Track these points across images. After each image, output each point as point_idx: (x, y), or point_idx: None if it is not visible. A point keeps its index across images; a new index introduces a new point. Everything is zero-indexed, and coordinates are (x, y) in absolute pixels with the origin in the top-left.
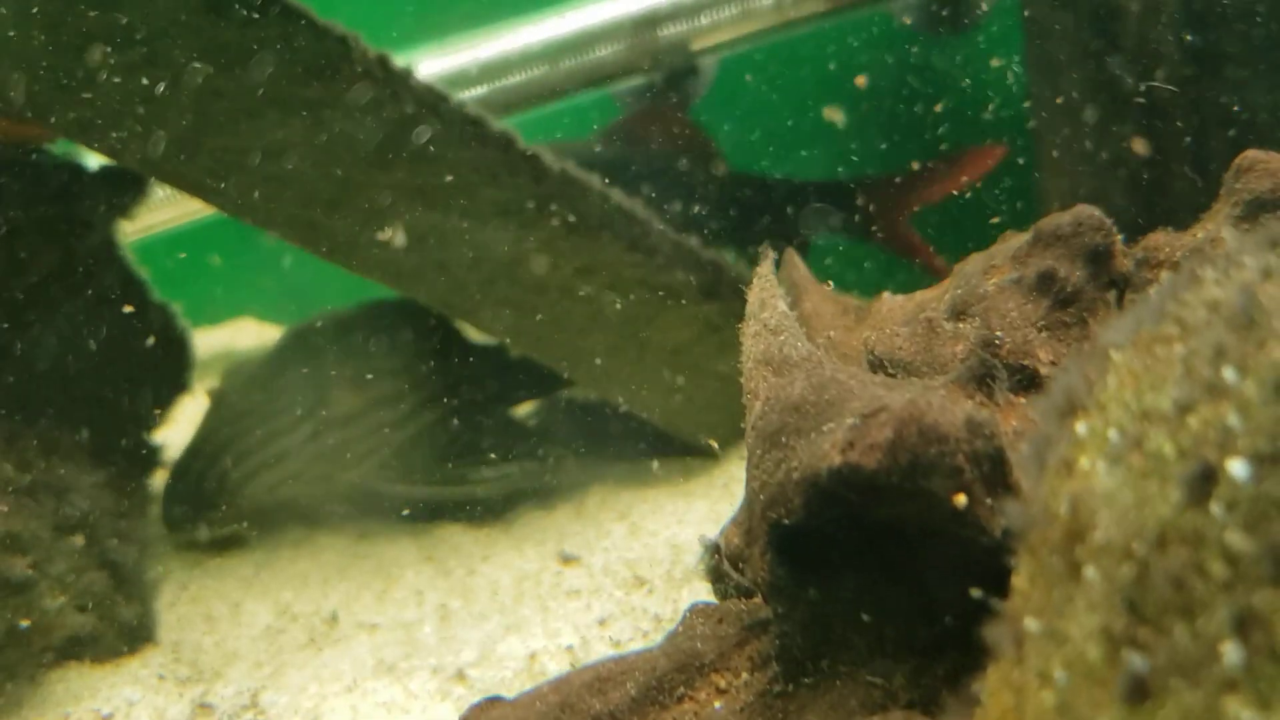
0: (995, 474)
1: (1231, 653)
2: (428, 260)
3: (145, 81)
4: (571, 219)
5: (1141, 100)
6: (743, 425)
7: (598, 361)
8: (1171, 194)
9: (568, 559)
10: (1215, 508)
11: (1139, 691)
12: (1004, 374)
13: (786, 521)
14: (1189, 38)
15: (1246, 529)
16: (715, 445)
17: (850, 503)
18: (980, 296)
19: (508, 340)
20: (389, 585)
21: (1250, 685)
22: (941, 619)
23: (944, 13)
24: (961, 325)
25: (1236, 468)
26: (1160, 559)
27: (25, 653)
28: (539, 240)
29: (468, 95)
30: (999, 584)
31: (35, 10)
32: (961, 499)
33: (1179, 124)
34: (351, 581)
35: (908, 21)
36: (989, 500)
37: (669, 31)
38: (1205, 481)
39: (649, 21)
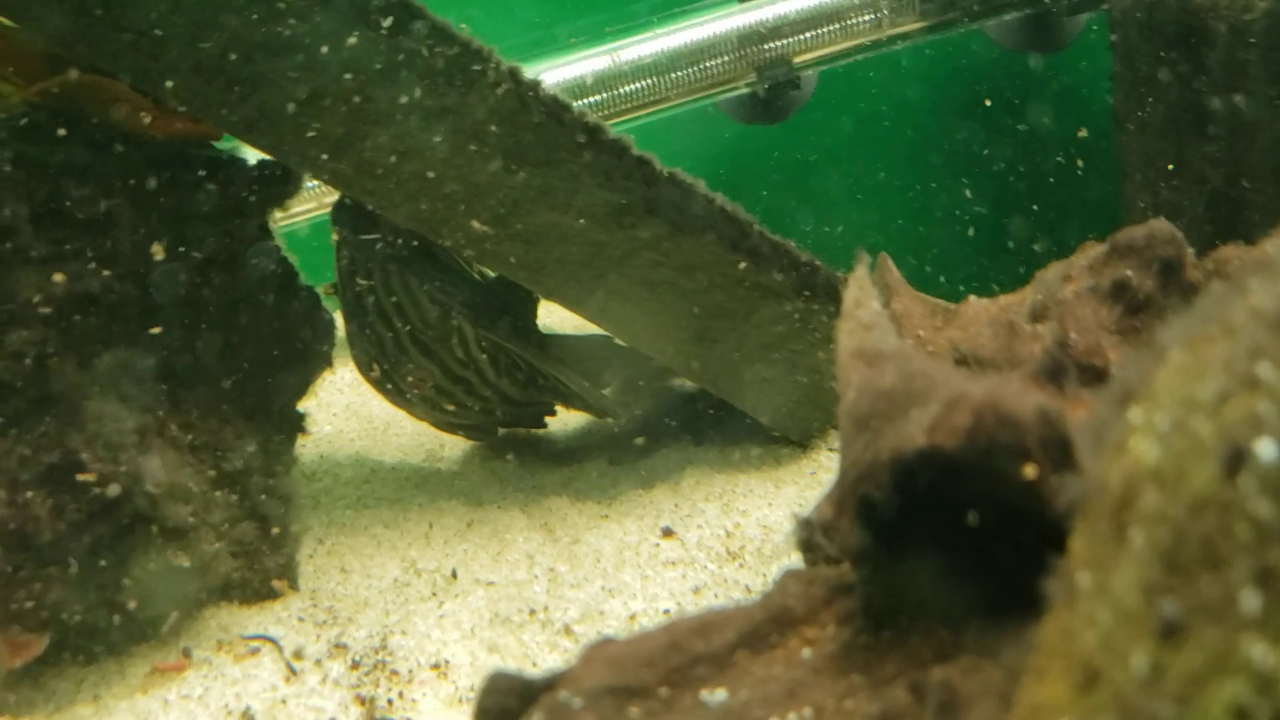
0: (1061, 456)
1: (1250, 599)
2: (547, 256)
3: (300, 88)
4: (678, 220)
5: (1224, 120)
6: (831, 417)
7: (697, 353)
8: (1250, 210)
9: (665, 533)
10: (1244, 481)
11: (1170, 631)
12: (1074, 370)
13: (874, 495)
14: (1274, 60)
15: (1270, 499)
16: (805, 436)
17: (932, 479)
18: (1058, 301)
19: (612, 329)
20: (503, 548)
21: (1265, 625)
22: (1007, 582)
23: (1037, 33)
24: (1040, 327)
25: (1264, 448)
26: (1194, 523)
27: (186, 589)
28: (647, 239)
29: (584, 102)
30: (1060, 550)
31: (210, 23)
32: (1031, 470)
33: (1260, 143)
34: (469, 543)
35: (1001, 40)
36: (1055, 478)
37: (773, 46)
38: (1237, 459)
39: (754, 36)
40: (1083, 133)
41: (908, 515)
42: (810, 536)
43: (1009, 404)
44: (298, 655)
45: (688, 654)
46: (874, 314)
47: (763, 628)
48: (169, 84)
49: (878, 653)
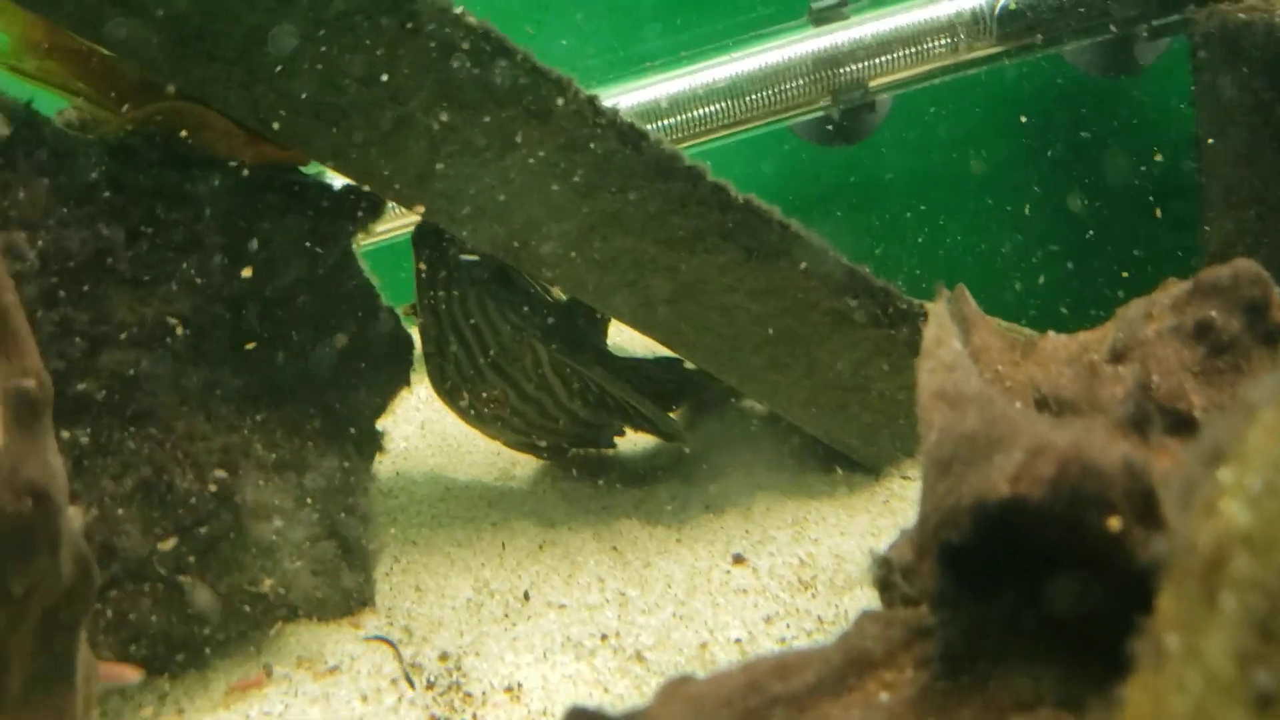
0: (1146, 510)
1: None
2: (621, 279)
3: (388, 115)
4: (752, 245)
5: None
6: (905, 445)
7: (768, 378)
8: None
9: (736, 559)
10: None
11: (1265, 701)
12: (1158, 418)
13: (955, 540)
14: None
15: None
16: (878, 463)
17: (1014, 528)
18: (1140, 341)
19: (684, 353)
20: (574, 571)
21: None
22: (1088, 633)
23: (1115, 57)
24: (1121, 369)
25: None
26: None
27: (267, 606)
28: (721, 264)
29: (659, 124)
30: (1143, 606)
31: (299, 53)
32: (1116, 522)
33: None
34: (541, 565)
35: (1079, 64)
36: (1139, 531)
37: (848, 69)
38: None
39: (830, 60)
40: (1159, 158)
41: (988, 561)
42: (887, 575)
43: (1094, 454)
44: (376, 673)
45: (766, 696)
46: (955, 353)
47: (841, 670)
48: (258, 111)
49: (956, 699)
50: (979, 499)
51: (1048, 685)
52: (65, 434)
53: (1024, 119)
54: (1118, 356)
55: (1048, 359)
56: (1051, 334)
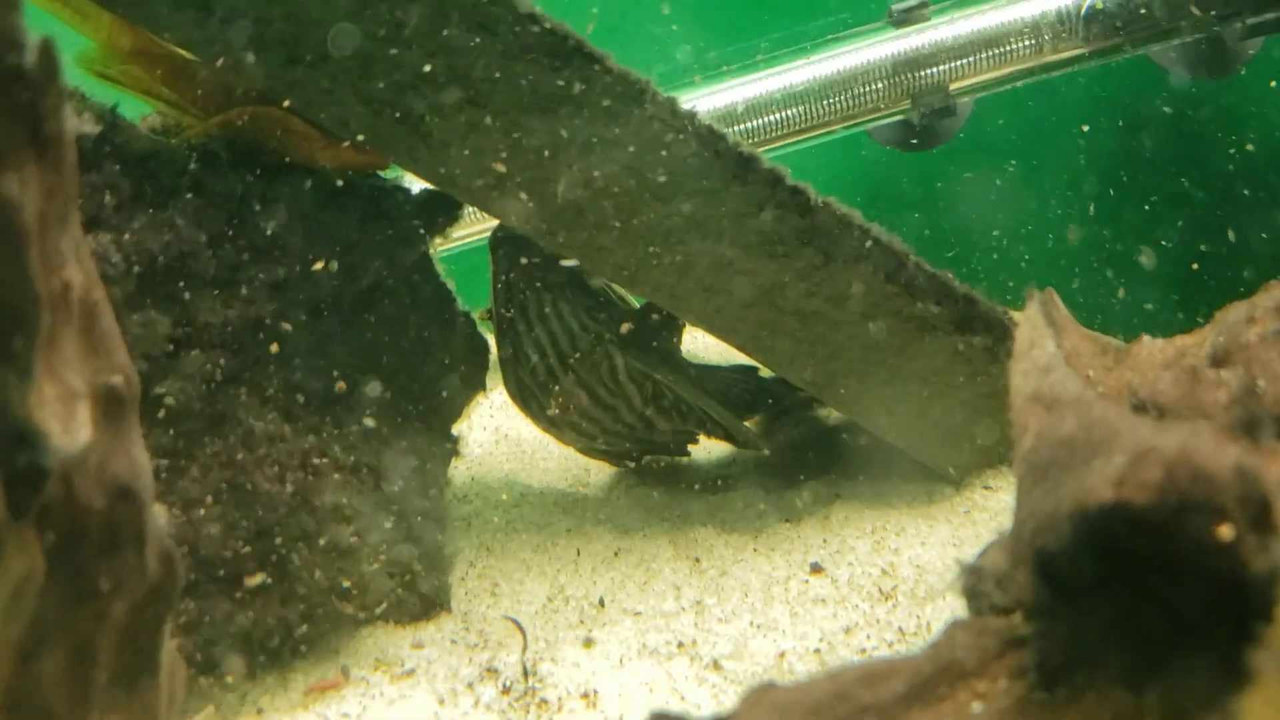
0: (1261, 516)
1: None
2: (698, 284)
3: (464, 119)
4: (831, 250)
5: None
6: (987, 455)
7: (847, 385)
8: None
9: (814, 569)
10: None
11: None
12: (1270, 422)
13: (1053, 548)
14: None
15: None
16: (959, 472)
17: (1116, 535)
18: (1242, 345)
19: (760, 359)
20: (649, 578)
21: None
22: (1194, 644)
23: (1206, 58)
24: (1223, 373)
25: None
26: None
27: (346, 609)
28: (800, 269)
29: (736, 128)
30: (1260, 616)
31: (380, 57)
32: (1228, 530)
33: None
34: (616, 571)
35: (1168, 65)
36: (1253, 539)
37: (929, 72)
38: None
39: (910, 63)
40: (1250, 148)
41: (1088, 569)
42: (976, 584)
43: (1204, 458)
44: (452, 676)
45: (854, 704)
46: (1050, 356)
47: (931, 679)
48: (339, 115)
49: (1052, 710)
50: (1079, 505)
51: (1150, 698)
52: (147, 435)
53: (1110, 121)
54: (1218, 361)
55: (1143, 363)
56: (1146, 338)
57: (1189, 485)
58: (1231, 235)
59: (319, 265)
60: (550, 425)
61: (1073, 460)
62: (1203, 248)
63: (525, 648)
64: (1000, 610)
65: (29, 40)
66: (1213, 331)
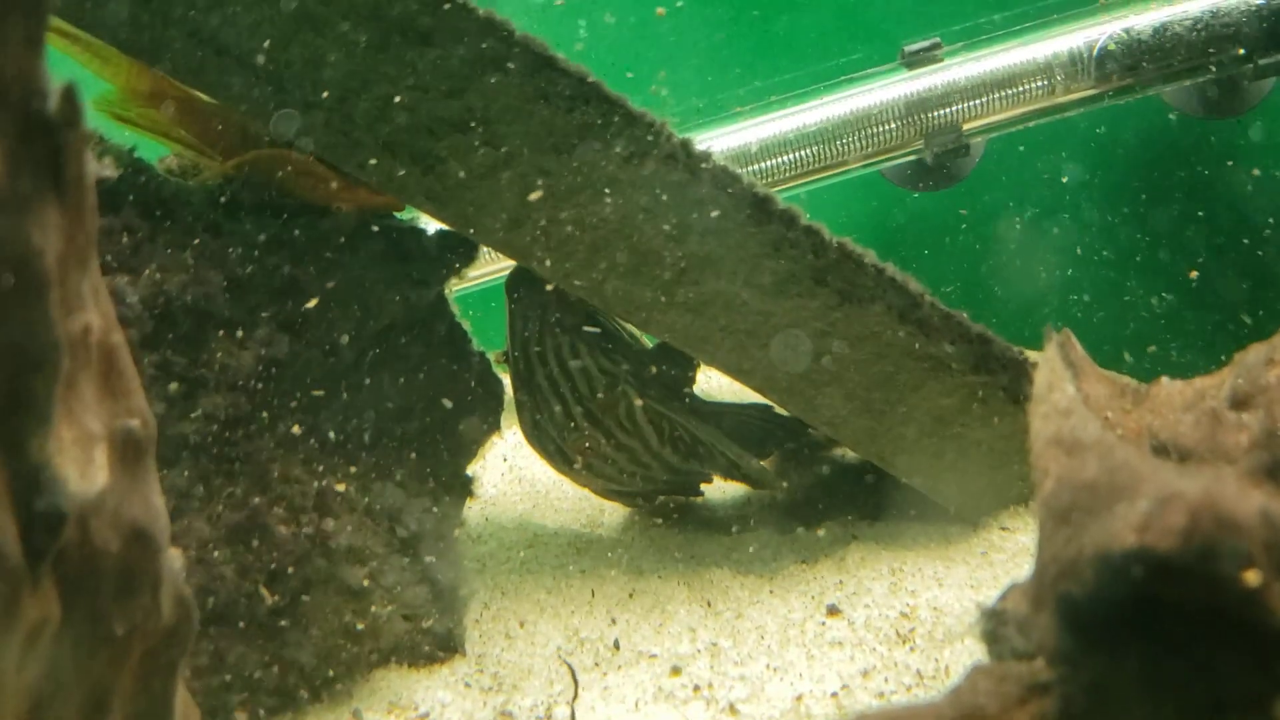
0: None
1: None
2: (713, 325)
3: (481, 161)
4: (846, 290)
5: None
6: (1004, 496)
7: (862, 424)
8: None
9: (831, 611)
10: None
11: None
12: None
13: (1076, 593)
14: None
15: None
16: (975, 513)
17: (1140, 581)
18: (1262, 388)
19: (776, 398)
20: (665, 620)
21: None
22: (1222, 693)
23: (1219, 97)
24: (1244, 416)
25: None
26: None
27: (359, 651)
28: (814, 309)
29: (750, 168)
30: None
31: (397, 102)
32: (1254, 576)
33: None
34: (631, 613)
35: (1180, 105)
36: (1278, 586)
37: (942, 112)
38: None
39: (922, 104)
40: (1257, 181)
41: (1111, 615)
42: (997, 628)
43: (1229, 504)
44: None
45: None
46: (1070, 398)
47: None
48: (356, 158)
49: None
50: (1102, 550)
51: None
52: (162, 475)
53: (1122, 163)
54: (1239, 403)
55: (1162, 405)
56: (1164, 379)
57: (1214, 531)
58: (1238, 276)
59: (335, 307)
60: (565, 466)
61: (1095, 505)
62: (1213, 288)
63: (576, 696)
64: (1022, 655)
65: (52, 86)
66: (1232, 373)
